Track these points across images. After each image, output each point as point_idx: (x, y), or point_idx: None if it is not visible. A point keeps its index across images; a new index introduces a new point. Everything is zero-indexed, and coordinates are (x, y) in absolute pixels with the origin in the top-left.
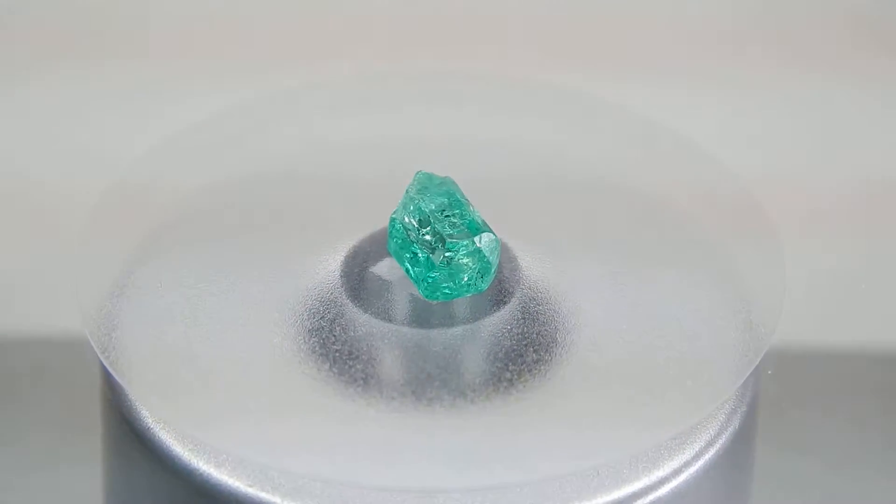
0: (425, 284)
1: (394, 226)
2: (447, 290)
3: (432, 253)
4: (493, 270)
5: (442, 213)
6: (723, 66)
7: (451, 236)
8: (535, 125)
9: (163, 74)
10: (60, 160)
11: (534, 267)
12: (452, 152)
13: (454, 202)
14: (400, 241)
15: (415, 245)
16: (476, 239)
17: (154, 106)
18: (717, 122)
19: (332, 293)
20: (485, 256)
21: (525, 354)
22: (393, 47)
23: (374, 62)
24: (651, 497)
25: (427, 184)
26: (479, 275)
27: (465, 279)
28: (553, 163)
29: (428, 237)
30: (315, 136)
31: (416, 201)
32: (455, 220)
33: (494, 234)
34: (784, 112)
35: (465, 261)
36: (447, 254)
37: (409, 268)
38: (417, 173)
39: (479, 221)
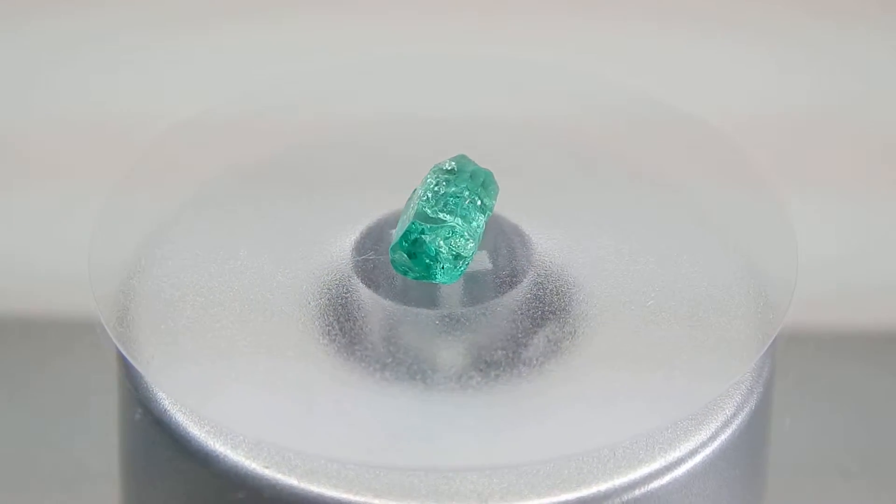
0: (392, 253)
1: (411, 196)
2: (403, 264)
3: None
4: (458, 268)
5: (454, 199)
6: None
7: (428, 218)
8: (546, 103)
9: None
10: (71, 140)
11: (546, 247)
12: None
13: (470, 195)
14: (405, 208)
15: (408, 211)
16: (450, 229)
17: (177, 82)
18: (722, 90)
19: (348, 275)
20: (451, 252)
21: (536, 335)
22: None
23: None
24: (668, 478)
25: (464, 168)
26: (441, 266)
27: (427, 263)
28: (562, 142)
29: (413, 208)
30: (347, 115)
31: (436, 175)
32: (456, 210)
33: (475, 244)
34: (790, 78)
35: (434, 246)
36: (416, 234)
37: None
38: (458, 155)
39: (475, 226)
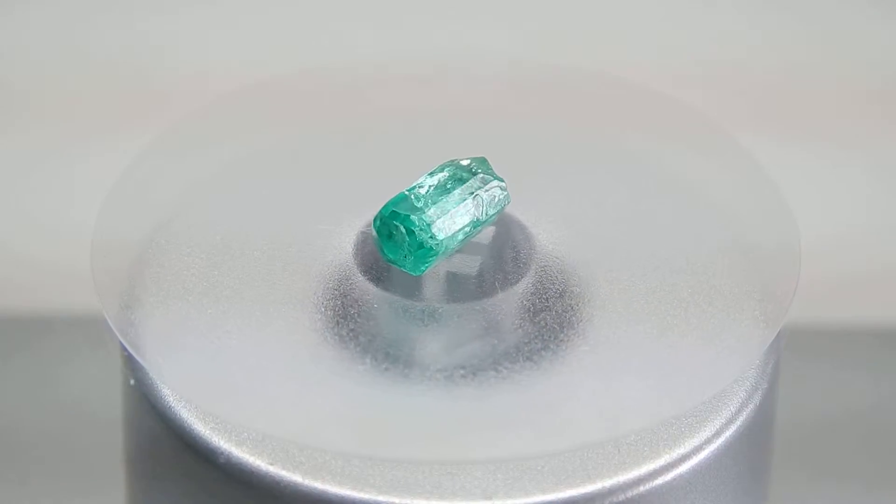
0: (372, 230)
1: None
2: (377, 243)
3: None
4: (421, 259)
5: (451, 196)
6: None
7: (408, 205)
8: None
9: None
10: (76, 134)
11: (547, 240)
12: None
13: (472, 198)
14: None
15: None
16: (426, 221)
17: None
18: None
19: (352, 270)
20: (416, 242)
21: (540, 328)
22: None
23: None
24: (672, 474)
25: (478, 171)
26: (404, 255)
27: (394, 247)
28: (562, 134)
29: (406, 190)
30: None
31: (445, 169)
32: (445, 205)
33: (447, 243)
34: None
35: (401, 232)
36: (388, 216)
37: None
38: (479, 157)
39: (459, 227)
